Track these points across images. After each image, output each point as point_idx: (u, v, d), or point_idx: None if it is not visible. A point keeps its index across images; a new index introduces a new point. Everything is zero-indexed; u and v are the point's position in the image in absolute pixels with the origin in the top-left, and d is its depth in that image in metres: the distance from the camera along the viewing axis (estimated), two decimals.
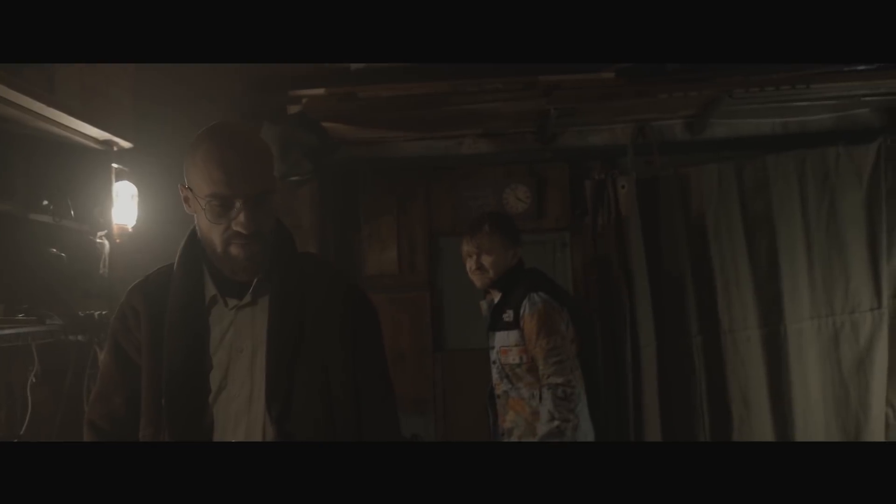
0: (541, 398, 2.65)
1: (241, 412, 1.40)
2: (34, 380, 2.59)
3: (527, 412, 2.70)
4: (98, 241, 2.84)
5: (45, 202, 2.58)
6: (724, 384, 3.41)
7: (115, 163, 2.90)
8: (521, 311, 2.71)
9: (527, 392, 2.71)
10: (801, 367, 3.35)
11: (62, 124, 2.57)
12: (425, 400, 4.19)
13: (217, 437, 1.40)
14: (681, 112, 3.79)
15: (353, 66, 3.36)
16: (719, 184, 3.49)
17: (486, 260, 2.82)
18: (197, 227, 1.44)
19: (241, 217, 1.33)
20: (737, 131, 3.88)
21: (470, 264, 2.87)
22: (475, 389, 3.68)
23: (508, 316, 2.76)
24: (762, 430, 3.35)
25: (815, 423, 3.31)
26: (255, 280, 1.42)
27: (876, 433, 3.27)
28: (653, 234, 3.51)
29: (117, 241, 2.89)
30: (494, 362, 2.83)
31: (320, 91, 3.39)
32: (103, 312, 2.72)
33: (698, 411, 3.41)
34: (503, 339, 2.77)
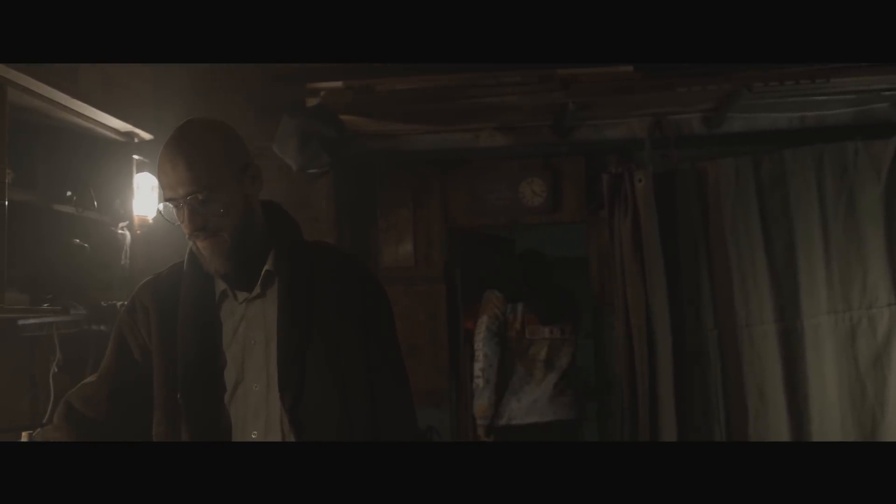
0: None
1: (259, 404, 1.41)
2: (56, 369, 2.62)
3: None
4: (119, 232, 2.87)
5: (69, 193, 2.61)
6: (741, 378, 3.41)
7: (136, 154, 2.92)
8: None
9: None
10: (817, 363, 3.33)
11: (85, 115, 2.60)
12: (440, 392, 4.20)
13: (238, 431, 1.41)
14: (698, 106, 3.77)
15: None
16: (736, 178, 3.48)
17: None
18: None
19: (185, 216, 1.35)
20: (754, 125, 3.86)
21: None
22: None
23: None
24: (778, 424, 3.34)
25: (831, 418, 3.30)
26: (263, 271, 1.43)
27: (892, 429, 3.25)
28: (669, 228, 3.50)
29: (138, 232, 2.91)
30: None
31: (338, 84, 3.40)
32: (125, 303, 2.73)
33: (714, 405, 3.41)
34: None
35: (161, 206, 1.41)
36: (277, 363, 1.39)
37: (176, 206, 1.37)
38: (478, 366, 3.67)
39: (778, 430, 3.34)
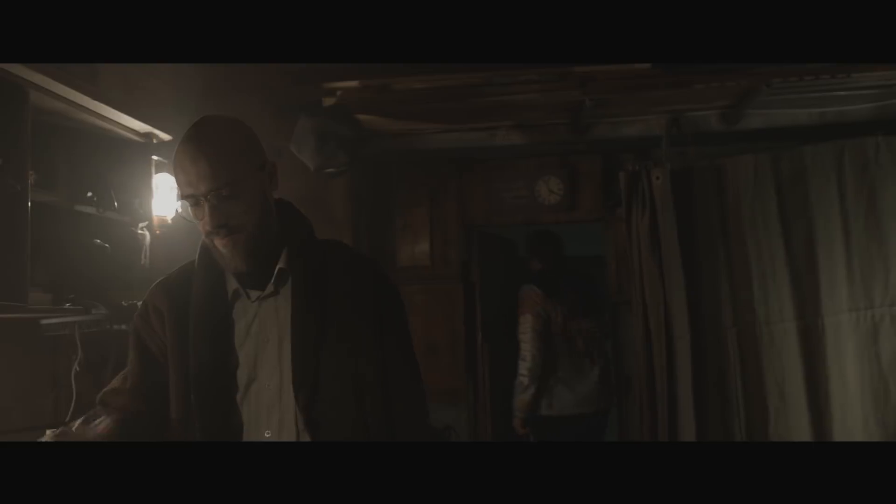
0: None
1: (272, 402, 1.41)
2: (77, 368, 2.65)
3: None
4: (139, 232, 2.89)
5: (90, 194, 2.63)
6: (761, 377, 3.38)
7: (155, 155, 2.94)
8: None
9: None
10: (838, 361, 3.30)
11: (105, 116, 2.62)
12: (458, 391, 4.20)
13: (251, 429, 1.42)
14: (716, 102, 3.75)
15: None
16: (755, 175, 3.45)
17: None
18: None
19: (206, 213, 1.35)
20: (773, 122, 3.83)
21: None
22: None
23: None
24: (799, 423, 3.31)
25: (853, 417, 3.26)
26: (276, 269, 1.43)
27: None
28: (687, 225, 3.48)
29: (157, 232, 2.93)
30: None
31: (354, 83, 3.40)
32: None
33: (734, 404, 3.39)
34: None
35: (179, 205, 1.41)
36: (292, 361, 1.40)
37: (195, 204, 1.37)
38: (525, 365, 3.71)
39: (799, 429, 3.31)
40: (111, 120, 2.66)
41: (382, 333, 1.45)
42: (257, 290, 1.45)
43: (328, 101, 3.47)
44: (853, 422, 3.26)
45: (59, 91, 2.31)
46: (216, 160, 1.35)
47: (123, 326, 2.74)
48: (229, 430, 1.41)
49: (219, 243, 1.38)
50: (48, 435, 1.52)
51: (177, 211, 1.40)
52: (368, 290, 1.48)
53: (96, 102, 2.46)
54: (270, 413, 1.41)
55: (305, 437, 1.39)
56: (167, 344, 1.45)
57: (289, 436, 1.39)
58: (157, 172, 2.94)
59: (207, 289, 1.45)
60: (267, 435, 1.40)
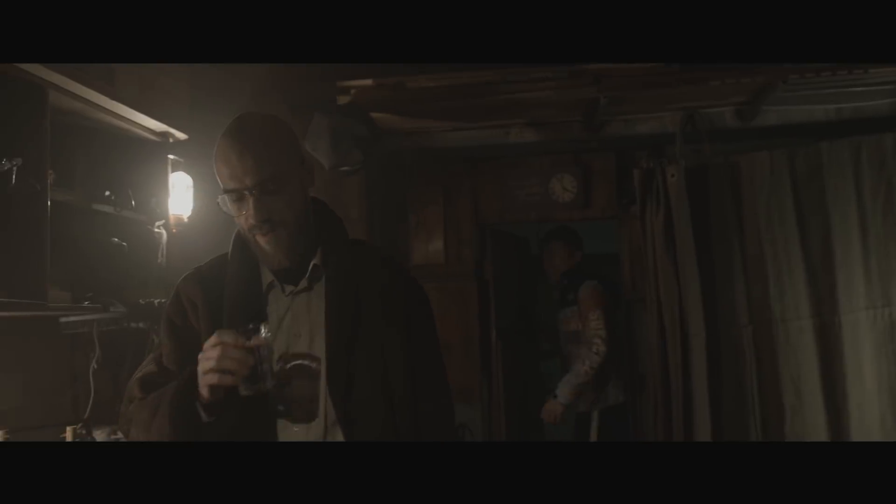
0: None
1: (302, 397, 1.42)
2: (95, 366, 2.68)
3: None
4: (156, 230, 2.91)
5: (107, 193, 2.65)
6: (776, 375, 3.37)
7: (171, 154, 2.96)
8: (580, 292, 3.84)
9: (583, 350, 3.70)
10: (855, 359, 3.28)
11: (122, 116, 2.64)
12: (472, 390, 4.21)
13: (280, 424, 1.42)
14: (731, 99, 3.72)
15: None
16: (771, 172, 3.43)
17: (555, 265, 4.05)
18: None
19: (250, 207, 1.36)
20: (789, 118, 3.80)
21: (547, 266, 4.11)
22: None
23: (570, 296, 3.90)
24: (815, 421, 3.30)
25: (870, 415, 3.24)
26: (311, 265, 1.45)
27: None
28: (702, 222, 3.47)
29: (173, 230, 2.95)
30: (561, 332, 4.00)
31: (368, 82, 3.41)
32: (162, 300, 2.78)
33: (749, 403, 3.37)
34: (566, 313, 3.95)
35: (219, 199, 1.40)
36: (326, 358, 1.41)
37: (238, 198, 1.38)
38: (596, 359, 3.66)
39: (815, 428, 3.30)
40: (128, 119, 2.68)
41: (410, 334, 1.47)
42: (291, 284, 1.46)
43: (342, 100, 3.48)
44: (871, 420, 3.24)
45: (76, 91, 2.33)
46: (261, 154, 1.36)
47: (141, 324, 2.77)
48: (266, 417, 1.41)
49: (261, 240, 1.40)
50: (69, 432, 1.51)
51: (217, 203, 1.39)
52: (399, 293, 1.50)
53: (113, 102, 2.48)
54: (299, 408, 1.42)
55: (334, 433, 1.40)
56: (201, 334, 1.45)
57: (317, 431, 1.40)
58: (173, 171, 2.96)
59: (242, 281, 1.46)
60: (295, 430, 1.41)
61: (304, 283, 1.46)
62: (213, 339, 1.30)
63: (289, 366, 1.42)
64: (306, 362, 1.43)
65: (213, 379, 1.27)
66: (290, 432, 1.41)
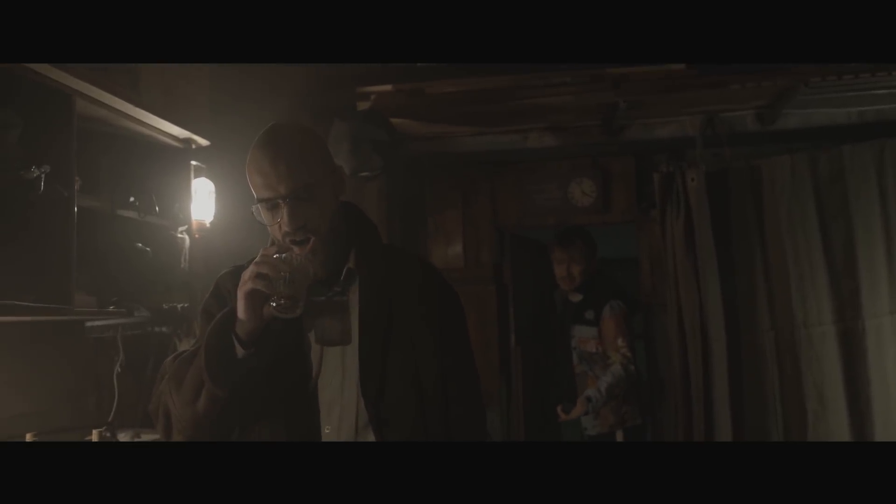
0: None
1: (334, 398, 1.43)
2: (119, 369, 2.71)
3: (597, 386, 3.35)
4: (179, 236, 2.93)
5: (132, 199, 2.68)
6: (799, 380, 3.34)
7: (194, 160, 2.98)
8: (602, 313, 3.43)
9: (600, 372, 3.37)
10: (880, 364, 3.25)
11: (145, 123, 2.66)
12: (491, 394, 4.21)
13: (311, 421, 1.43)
14: (751, 102, 3.71)
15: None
16: (792, 175, 3.42)
17: (575, 269, 3.53)
18: None
19: (284, 215, 1.37)
20: (810, 122, 3.78)
21: (560, 271, 3.58)
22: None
23: (590, 315, 3.49)
24: (839, 427, 3.27)
25: (895, 422, 3.21)
26: (345, 269, 1.46)
27: None
28: (723, 227, 3.45)
29: (196, 236, 2.97)
30: (574, 349, 3.57)
31: (387, 87, 3.43)
32: (185, 305, 2.81)
33: (771, 408, 3.35)
34: (583, 332, 3.52)
35: (253, 208, 1.42)
36: (360, 360, 1.42)
37: (272, 207, 1.39)
38: (620, 383, 3.27)
39: (839, 433, 3.27)
40: (151, 126, 2.70)
41: (443, 337, 1.48)
42: (325, 288, 1.47)
43: (362, 105, 3.50)
44: (895, 426, 3.20)
45: (101, 98, 2.35)
46: (294, 163, 1.38)
47: (164, 328, 2.79)
48: (307, 415, 1.42)
49: (298, 251, 1.40)
50: (95, 435, 1.52)
51: (251, 212, 1.41)
52: (432, 297, 1.50)
53: (137, 109, 2.51)
54: (331, 409, 1.43)
55: (364, 435, 1.41)
56: None
57: (348, 432, 1.41)
58: (195, 177, 2.99)
59: None
60: (326, 430, 1.42)
61: (338, 287, 1.47)
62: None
63: (320, 299, 1.45)
64: (335, 297, 1.46)
65: (249, 285, 1.32)
66: (322, 432, 1.42)
